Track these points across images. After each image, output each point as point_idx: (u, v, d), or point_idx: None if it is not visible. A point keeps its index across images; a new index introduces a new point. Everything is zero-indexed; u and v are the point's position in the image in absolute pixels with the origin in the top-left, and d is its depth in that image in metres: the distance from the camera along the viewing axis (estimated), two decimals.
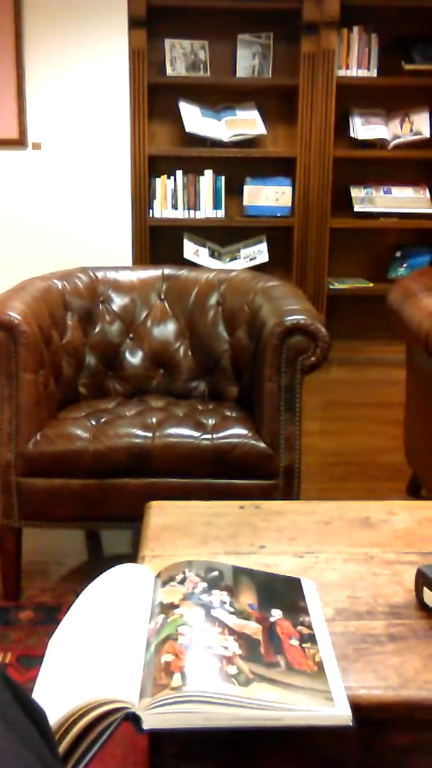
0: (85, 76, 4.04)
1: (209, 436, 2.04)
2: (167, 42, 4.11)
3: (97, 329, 2.47)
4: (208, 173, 4.18)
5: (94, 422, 2.11)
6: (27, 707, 0.78)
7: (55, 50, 4.00)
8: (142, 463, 2.03)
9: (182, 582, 1.12)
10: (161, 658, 0.95)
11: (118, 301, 2.51)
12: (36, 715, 0.78)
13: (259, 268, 3.80)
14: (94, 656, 0.98)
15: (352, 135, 4.22)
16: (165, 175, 4.18)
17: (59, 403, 2.28)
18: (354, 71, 4.14)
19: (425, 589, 1.14)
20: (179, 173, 4.17)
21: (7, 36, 3.94)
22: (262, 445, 2.04)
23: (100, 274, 2.53)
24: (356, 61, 4.13)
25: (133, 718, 0.89)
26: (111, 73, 4.04)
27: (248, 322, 2.33)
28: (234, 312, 2.41)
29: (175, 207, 4.20)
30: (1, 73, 3.99)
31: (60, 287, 2.41)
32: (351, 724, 0.91)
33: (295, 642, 1.02)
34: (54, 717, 0.88)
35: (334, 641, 1.05)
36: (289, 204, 4.24)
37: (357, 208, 4.29)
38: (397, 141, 4.22)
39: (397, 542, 1.36)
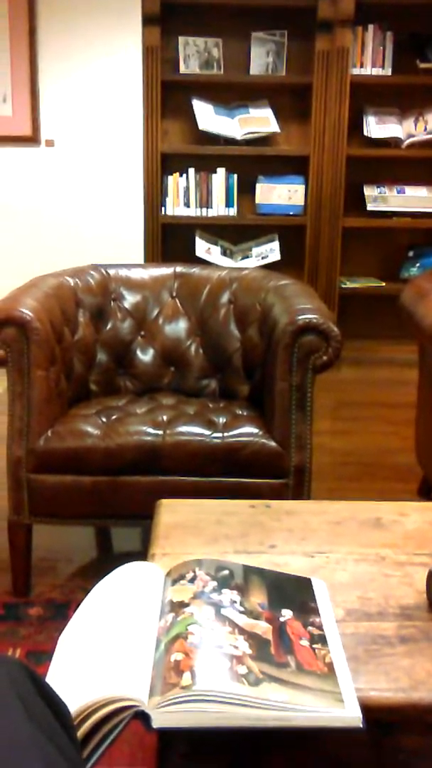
0: (98, 73, 4.04)
1: (220, 435, 2.04)
2: (181, 39, 4.10)
3: (108, 326, 2.47)
4: (221, 171, 4.17)
5: (104, 419, 2.11)
6: (50, 701, 0.78)
7: (69, 47, 4.00)
8: (152, 461, 2.03)
9: (192, 580, 1.12)
10: (171, 656, 0.95)
11: (129, 299, 2.50)
12: (58, 708, 0.79)
13: (270, 267, 3.79)
14: (103, 654, 0.98)
15: (365, 133, 4.20)
16: (177, 173, 4.17)
17: (70, 400, 2.28)
18: (368, 69, 4.12)
19: None
20: (192, 171, 4.16)
21: (21, 33, 3.95)
22: (272, 444, 2.03)
23: (112, 272, 2.53)
24: (371, 60, 4.12)
25: (143, 717, 0.89)
26: (124, 71, 4.04)
27: (260, 321, 2.32)
28: (246, 310, 2.40)
29: (187, 205, 4.20)
30: (15, 70, 3.99)
31: (72, 284, 2.41)
32: (361, 725, 0.91)
33: (305, 642, 1.01)
34: None
35: (345, 642, 1.05)
36: (302, 202, 4.23)
37: (370, 207, 4.27)
38: (411, 140, 4.20)
39: (409, 543, 1.35)
